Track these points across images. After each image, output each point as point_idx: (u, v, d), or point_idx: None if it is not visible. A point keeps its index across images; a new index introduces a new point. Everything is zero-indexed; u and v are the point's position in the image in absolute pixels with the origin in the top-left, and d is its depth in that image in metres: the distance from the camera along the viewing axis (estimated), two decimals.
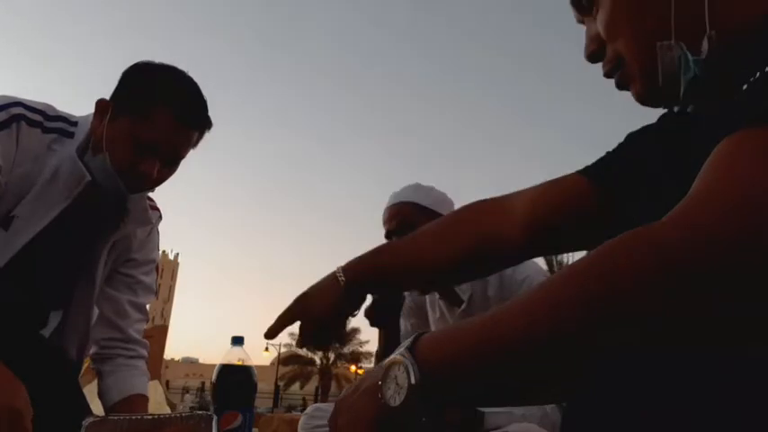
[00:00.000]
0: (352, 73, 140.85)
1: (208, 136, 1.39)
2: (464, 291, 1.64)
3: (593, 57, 0.73)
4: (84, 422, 0.93)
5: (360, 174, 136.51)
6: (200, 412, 1.14)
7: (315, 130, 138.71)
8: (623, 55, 0.69)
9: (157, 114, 1.26)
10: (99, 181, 1.30)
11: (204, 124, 1.36)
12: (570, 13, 0.78)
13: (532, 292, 0.49)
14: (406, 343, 0.55)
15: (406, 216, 1.64)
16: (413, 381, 0.51)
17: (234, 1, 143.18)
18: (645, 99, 0.71)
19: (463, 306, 1.65)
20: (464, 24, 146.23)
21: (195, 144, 1.37)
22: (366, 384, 0.58)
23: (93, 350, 1.51)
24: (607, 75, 0.73)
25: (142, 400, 1.46)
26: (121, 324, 1.49)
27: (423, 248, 0.94)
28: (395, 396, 0.53)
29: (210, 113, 1.37)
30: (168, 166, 1.33)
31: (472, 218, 0.95)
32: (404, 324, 1.88)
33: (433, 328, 1.81)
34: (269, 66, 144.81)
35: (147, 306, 1.59)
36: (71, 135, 1.32)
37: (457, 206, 1.71)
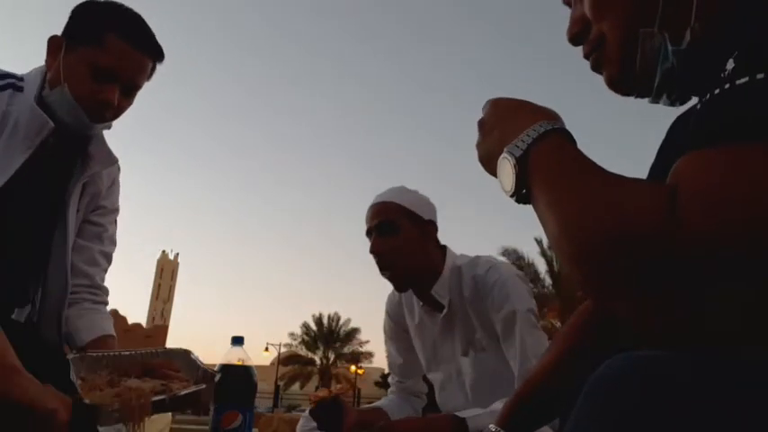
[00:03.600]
0: (348, 70, 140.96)
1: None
2: (443, 296, 1.66)
3: (575, 39, 0.73)
4: (69, 356, 0.95)
5: (363, 174, 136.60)
6: (178, 348, 1.18)
7: (317, 130, 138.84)
8: (606, 36, 0.69)
9: (112, 41, 1.30)
10: (59, 116, 1.31)
11: (157, 52, 1.39)
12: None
13: None
14: None
15: (388, 214, 1.66)
16: None
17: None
18: (617, 83, 0.71)
19: (444, 311, 1.66)
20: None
21: (150, 75, 1.40)
22: None
23: None
24: (586, 55, 0.73)
25: (113, 341, 1.45)
26: (90, 272, 1.49)
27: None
28: None
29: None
30: (126, 95, 1.36)
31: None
32: (392, 347, 1.88)
33: (413, 335, 1.81)
34: (263, 58, 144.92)
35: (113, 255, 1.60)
36: (21, 89, 1.33)
37: (438, 210, 1.73)
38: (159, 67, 1.43)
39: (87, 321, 1.43)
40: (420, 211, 1.68)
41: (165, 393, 0.98)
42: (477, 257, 1.70)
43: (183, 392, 0.99)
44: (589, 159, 0.58)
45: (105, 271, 1.54)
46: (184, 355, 1.10)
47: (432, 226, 1.71)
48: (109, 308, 1.56)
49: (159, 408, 0.98)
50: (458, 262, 1.68)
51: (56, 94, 1.31)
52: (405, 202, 1.68)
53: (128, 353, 1.12)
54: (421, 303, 1.72)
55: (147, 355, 1.11)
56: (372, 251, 1.66)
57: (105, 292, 1.53)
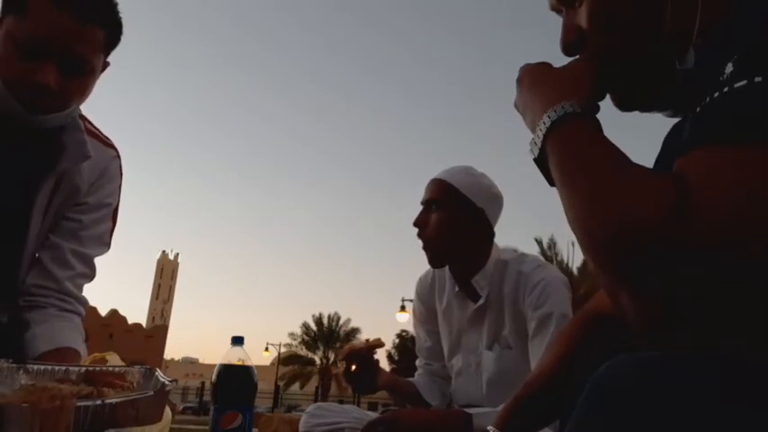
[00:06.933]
0: (347, 68, 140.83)
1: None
2: (482, 287, 1.66)
3: (569, 48, 0.72)
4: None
5: (362, 174, 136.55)
6: (138, 366, 0.97)
7: (316, 129, 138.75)
8: (606, 52, 0.69)
9: (35, 5, 1.06)
10: None
11: (97, 13, 1.12)
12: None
13: None
14: None
15: (436, 193, 1.67)
16: None
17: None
18: (624, 100, 0.72)
19: (480, 301, 1.66)
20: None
21: (107, 47, 1.16)
22: None
23: (21, 299, 1.26)
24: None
25: (74, 354, 1.18)
26: (58, 274, 1.26)
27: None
28: None
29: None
30: (71, 74, 1.11)
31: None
32: (421, 331, 1.89)
33: (440, 319, 1.81)
34: (251, 60, 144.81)
35: (96, 259, 1.35)
36: None
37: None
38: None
39: (47, 329, 1.20)
40: (473, 197, 1.67)
41: (91, 399, 0.77)
42: (524, 255, 1.71)
43: (117, 400, 0.79)
44: (599, 144, 0.59)
45: (83, 277, 1.31)
46: (147, 372, 0.94)
47: (482, 215, 1.69)
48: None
49: (84, 417, 0.76)
50: (503, 256, 1.68)
51: None
52: (458, 183, 1.68)
53: (75, 367, 0.92)
54: (456, 289, 1.73)
55: (100, 371, 0.92)
56: (413, 224, 1.69)
57: (81, 302, 1.30)
